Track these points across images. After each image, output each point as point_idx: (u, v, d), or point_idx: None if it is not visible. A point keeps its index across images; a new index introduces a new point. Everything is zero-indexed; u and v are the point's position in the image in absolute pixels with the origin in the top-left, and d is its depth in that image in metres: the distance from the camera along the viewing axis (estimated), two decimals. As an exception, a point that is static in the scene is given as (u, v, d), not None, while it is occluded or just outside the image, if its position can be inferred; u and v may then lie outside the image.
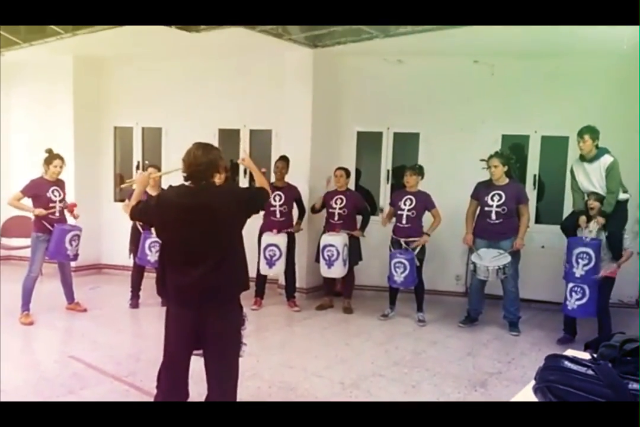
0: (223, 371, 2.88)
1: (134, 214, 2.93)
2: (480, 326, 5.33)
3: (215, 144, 6.54)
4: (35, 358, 4.41)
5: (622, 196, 4.68)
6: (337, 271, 5.40)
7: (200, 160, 2.74)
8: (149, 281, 5.77)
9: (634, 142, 5.63)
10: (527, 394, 1.81)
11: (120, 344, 4.64)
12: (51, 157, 5.04)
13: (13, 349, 4.41)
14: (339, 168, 5.61)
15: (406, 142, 6.29)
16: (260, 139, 6.50)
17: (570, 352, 1.93)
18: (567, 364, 1.62)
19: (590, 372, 1.57)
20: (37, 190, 4.96)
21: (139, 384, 3.72)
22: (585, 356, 1.77)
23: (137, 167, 6.92)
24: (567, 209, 5.95)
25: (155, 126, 6.82)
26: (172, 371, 2.90)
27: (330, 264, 5.35)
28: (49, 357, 4.26)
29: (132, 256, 5.67)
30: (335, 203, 5.51)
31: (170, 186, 2.92)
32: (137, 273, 5.69)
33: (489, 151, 5.87)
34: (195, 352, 2.96)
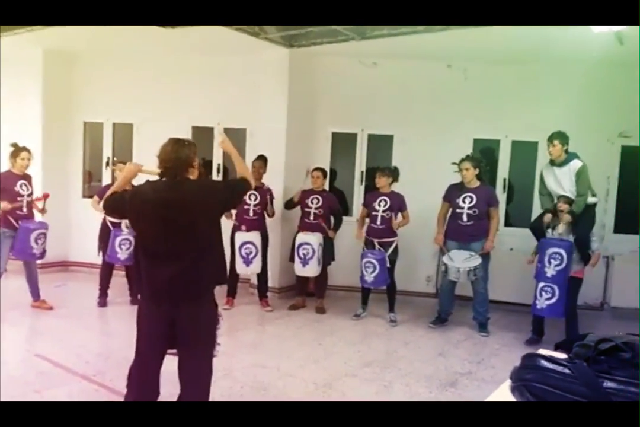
0: (196, 370, 2.84)
1: (107, 204, 2.86)
2: (450, 326, 5.40)
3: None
4: (1, 355, 4.27)
5: (590, 200, 4.81)
6: (312, 269, 5.41)
7: (173, 156, 2.70)
8: (118, 279, 5.74)
9: (603, 147, 5.83)
10: (502, 394, 1.83)
11: (88, 342, 4.55)
12: (17, 150, 4.92)
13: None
14: (316, 168, 5.62)
15: (380, 144, 6.34)
16: (235, 138, 6.41)
17: (544, 352, 1.98)
18: (544, 363, 1.65)
19: (566, 371, 1.61)
20: (4, 184, 4.83)
21: (109, 384, 3.65)
22: (561, 355, 1.81)
23: (107, 164, 6.79)
24: (536, 213, 6.09)
25: (127, 122, 6.70)
26: (144, 370, 2.85)
27: (305, 262, 5.36)
28: (14, 355, 4.14)
29: (101, 253, 5.56)
30: (312, 203, 5.51)
31: (147, 181, 2.88)
32: (106, 271, 5.58)
33: (461, 154, 5.97)
34: (169, 351, 2.92)
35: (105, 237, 5.45)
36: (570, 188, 4.77)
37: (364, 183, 6.36)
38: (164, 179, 2.78)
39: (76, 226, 6.91)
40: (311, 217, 5.52)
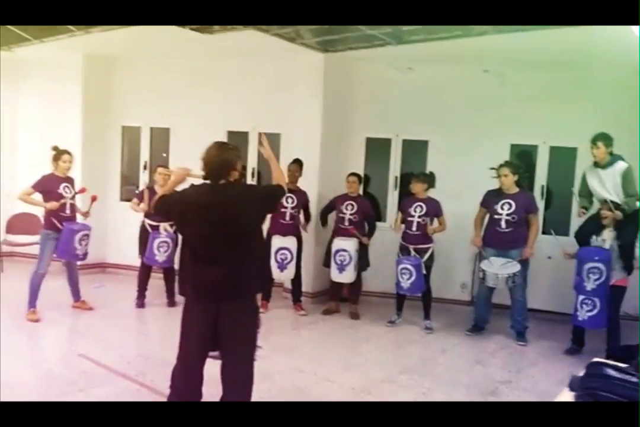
0: (239, 371, 2.87)
1: (156, 207, 2.93)
2: (486, 334, 5.32)
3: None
4: (43, 356, 4.39)
5: (637, 204, 4.70)
6: (349, 276, 5.41)
7: (217, 159, 2.79)
8: (155, 281, 5.81)
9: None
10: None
11: (128, 343, 4.63)
12: (59, 153, 5.03)
13: (20, 346, 4.38)
14: (352, 173, 5.62)
15: (415, 150, 6.31)
16: (269, 143, 6.48)
17: (607, 361, 1.95)
18: (610, 371, 1.63)
19: (634, 379, 1.58)
20: (48, 186, 4.94)
21: (150, 384, 3.70)
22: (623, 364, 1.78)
23: (145, 167, 6.90)
24: (574, 220, 5.99)
25: (164, 126, 6.81)
26: (187, 371, 2.89)
27: (342, 268, 5.36)
28: (57, 355, 4.24)
29: (139, 255, 5.65)
30: (347, 209, 5.51)
31: (192, 184, 2.93)
32: (144, 273, 5.67)
33: (498, 160, 5.90)
34: (211, 354, 2.96)
35: (144, 239, 5.53)
36: (615, 190, 4.66)
37: (397, 189, 6.33)
38: (207, 182, 2.84)
39: (113, 228, 7.03)
40: (346, 223, 5.51)
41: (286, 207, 5.50)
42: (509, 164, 5.07)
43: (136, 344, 4.67)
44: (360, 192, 6.07)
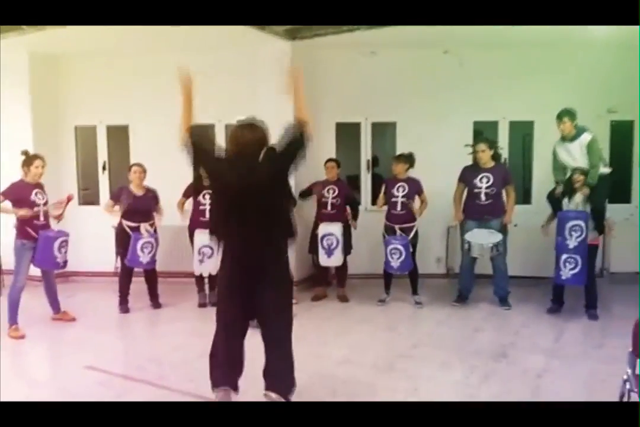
0: (279, 335, 2.99)
1: (194, 136, 2.96)
2: (471, 303, 5.58)
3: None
4: (48, 374, 4.10)
5: (603, 170, 5.08)
6: (337, 259, 5.48)
7: (249, 138, 2.86)
8: (137, 285, 5.59)
9: (594, 123, 6.10)
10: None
11: (130, 349, 4.46)
12: (30, 158, 4.72)
13: (17, 366, 4.10)
14: (330, 159, 5.68)
15: (384, 132, 6.44)
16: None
17: None
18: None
19: None
20: (19, 194, 4.61)
21: (178, 387, 3.58)
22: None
23: (103, 168, 6.59)
24: (535, 190, 6.39)
25: (122, 124, 6.51)
26: (230, 341, 2.94)
27: (330, 253, 5.41)
28: (62, 371, 4.00)
29: (119, 258, 5.41)
30: (328, 193, 5.55)
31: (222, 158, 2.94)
32: (125, 277, 5.43)
33: (463, 137, 6.19)
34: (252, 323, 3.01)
35: (123, 241, 5.31)
36: (583, 160, 5.01)
37: (370, 171, 6.45)
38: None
39: (74, 234, 6.54)
40: (329, 207, 5.56)
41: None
42: (485, 139, 5.33)
43: (141, 349, 4.49)
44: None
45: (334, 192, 5.56)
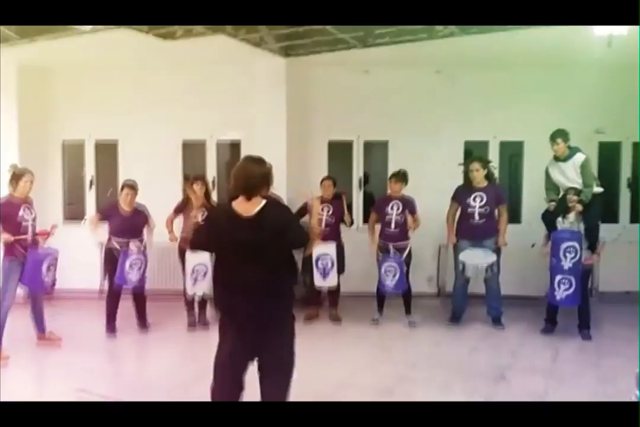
0: (281, 387, 2.88)
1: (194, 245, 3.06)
2: (465, 323, 5.54)
3: (179, 156, 6.39)
4: (43, 397, 3.90)
5: (596, 190, 5.13)
6: (332, 280, 5.41)
7: (255, 173, 2.76)
8: (123, 304, 5.41)
9: (583, 144, 6.20)
10: None
11: (122, 373, 4.29)
12: (20, 172, 4.57)
13: (5, 391, 3.90)
14: (327, 177, 5.64)
15: (376, 150, 6.46)
16: (229, 150, 6.35)
17: None
18: None
19: None
20: (7, 211, 4.45)
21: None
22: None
23: (91, 184, 6.44)
24: (526, 209, 6.44)
25: (111, 139, 6.41)
26: (227, 392, 2.81)
27: (325, 274, 5.35)
28: (57, 394, 3.80)
29: (107, 277, 5.27)
30: (322, 211, 5.49)
31: (218, 205, 2.85)
32: (114, 296, 5.25)
33: (454, 156, 6.23)
34: None
35: (111, 259, 5.17)
36: (576, 180, 5.06)
37: (362, 189, 6.44)
38: (240, 197, 2.76)
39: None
40: (323, 226, 5.50)
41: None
42: (479, 158, 5.35)
43: (130, 373, 4.34)
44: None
45: (329, 210, 5.51)
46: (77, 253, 6.16)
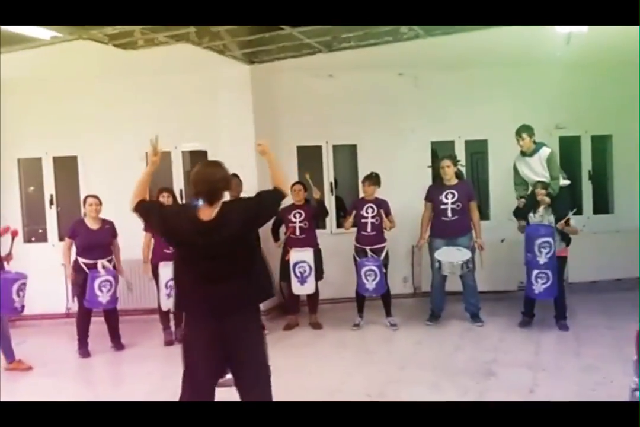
0: (259, 392, 2.80)
1: (140, 209, 2.85)
2: (444, 321, 5.56)
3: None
4: None
5: (563, 182, 5.25)
6: (310, 287, 5.35)
7: (216, 177, 2.74)
8: (96, 326, 5.19)
9: (544, 139, 6.35)
10: None
11: (100, 396, 4.09)
12: None
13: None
14: (297, 182, 5.58)
15: (344, 154, 6.44)
16: (195, 160, 6.19)
17: None
18: None
19: None
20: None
21: None
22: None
23: (51, 202, 6.18)
24: (494, 206, 6.56)
25: (70, 155, 6.16)
26: (199, 396, 2.75)
27: (303, 280, 5.28)
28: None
29: (75, 299, 5.05)
30: (295, 217, 5.43)
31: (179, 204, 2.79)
32: (84, 318, 5.04)
33: (421, 157, 6.29)
34: (220, 380, 2.86)
35: (79, 281, 4.96)
36: (543, 173, 5.17)
37: (334, 193, 6.41)
38: (200, 201, 2.75)
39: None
40: (297, 232, 5.44)
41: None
42: (450, 156, 5.42)
43: (108, 395, 4.12)
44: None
45: (300, 215, 5.45)
46: (42, 275, 5.86)
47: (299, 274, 5.29)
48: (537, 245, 4.89)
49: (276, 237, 5.61)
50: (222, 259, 2.69)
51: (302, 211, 5.49)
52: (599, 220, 6.63)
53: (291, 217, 5.46)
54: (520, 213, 5.25)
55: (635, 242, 6.47)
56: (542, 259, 4.90)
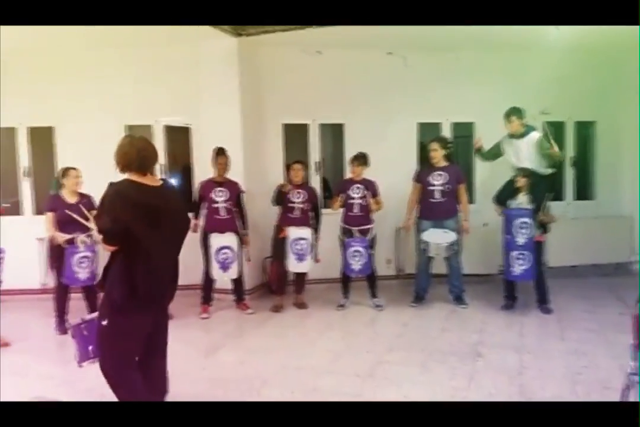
0: (164, 368, 3.04)
1: (111, 238, 2.63)
2: (428, 303, 5.59)
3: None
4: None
5: (545, 170, 5.24)
6: (307, 265, 5.30)
7: (151, 149, 2.73)
8: (74, 302, 5.04)
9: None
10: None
11: (80, 373, 3.95)
12: None
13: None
14: (297, 161, 5.43)
15: (330, 133, 6.33)
16: (179, 135, 6.00)
17: None
18: None
19: None
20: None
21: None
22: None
23: (25, 174, 5.91)
24: (478, 190, 6.56)
25: (45, 125, 5.90)
26: (136, 374, 2.84)
27: (301, 258, 5.22)
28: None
29: (55, 275, 4.87)
30: (296, 197, 5.30)
31: (119, 183, 2.65)
32: (62, 294, 4.88)
33: (408, 138, 6.23)
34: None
35: (57, 256, 4.78)
36: (529, 158, 5.16)
37: (320, 174, 6.30)
38: (137, 175, 2.66)
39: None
40: (297, 212, 5.32)
41: (217, 202, 5.15)
42: (438, 139, 5.37)
43: (88, 373, 4.01)
44: (281, 179, 5.92)
45: (301, 196, 5.32)
46: (15, 249, 5.63)
47: (296, 251, 5.21)
48: (516, 226, 4.93)
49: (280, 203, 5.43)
50: (171, 242, 2.82)
51: (304, 193, 5.34)
52: (580, 206, 6.72)
53: (292, 197, 5.31)
54: (500, 199, 5.27)
55: (614, 229, 6.61)
56: (520, 240, 4.94)
